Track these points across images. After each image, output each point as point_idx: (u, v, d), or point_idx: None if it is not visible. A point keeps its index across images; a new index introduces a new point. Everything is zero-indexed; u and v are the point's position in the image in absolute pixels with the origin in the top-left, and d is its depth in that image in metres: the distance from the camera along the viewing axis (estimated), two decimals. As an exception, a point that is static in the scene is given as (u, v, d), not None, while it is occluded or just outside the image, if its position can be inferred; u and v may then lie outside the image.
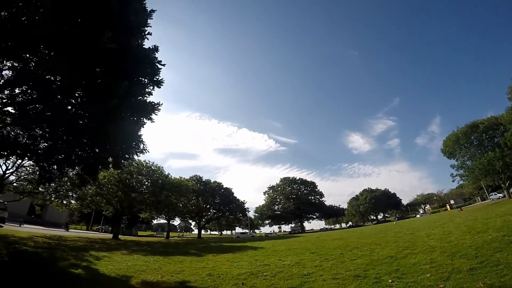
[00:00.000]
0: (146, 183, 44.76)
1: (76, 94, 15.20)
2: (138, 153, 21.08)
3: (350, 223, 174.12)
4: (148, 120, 17.94)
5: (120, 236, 47.94)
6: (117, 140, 16.71)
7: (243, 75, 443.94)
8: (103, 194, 42.24)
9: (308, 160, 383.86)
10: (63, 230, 56.17)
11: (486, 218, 24.06)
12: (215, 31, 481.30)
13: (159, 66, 16.34)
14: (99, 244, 28.33)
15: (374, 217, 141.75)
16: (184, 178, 58.21)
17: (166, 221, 69.78)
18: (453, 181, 76.09)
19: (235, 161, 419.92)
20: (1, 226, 32.85)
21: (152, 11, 15.93)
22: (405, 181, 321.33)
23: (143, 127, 18.73)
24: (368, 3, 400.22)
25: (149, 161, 46.53)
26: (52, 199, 36.40)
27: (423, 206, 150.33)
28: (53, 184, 31.69)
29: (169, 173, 49.54)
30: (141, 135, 19.27)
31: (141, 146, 21.34)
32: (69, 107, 15.33)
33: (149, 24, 15.80)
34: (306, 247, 25.01)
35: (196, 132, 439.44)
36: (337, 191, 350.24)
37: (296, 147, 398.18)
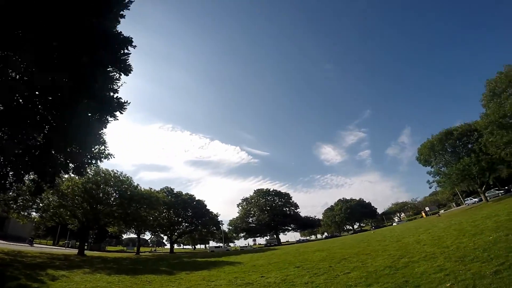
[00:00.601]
0: (114, 194, 41.24)
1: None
2: (101, 158, 18.72)
3: (325, 234, 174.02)
4: (112, 118, 15.52)
5: (86, 252, 44.21)
6: (76, 137, 14.10)
7: (217, 86, 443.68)
8: (67, 205, 38.49)
9: (281, 172, 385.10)
10: (27, 245, 51.03)
11: (474, 221, 23.49)
12: (189, 38, 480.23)
13: (127, 49, 13.91)
14: (60, 260, 25.31)
15: (350, 227, 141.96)
16: (154, 190, 54.35)
17: (136, 236, 65.05)
18: (430, 187, 76.80)
19: (207, 173, 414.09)
20: None
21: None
22: (377, 191, 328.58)
23: (105, 127, 16.35)
24: (342, 17, 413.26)
25: (117, 171, 43.12)
26: (11, 210, 32.86)
27: (398, 215, 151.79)
28: (10, 193, 28.54)
29: (138, 184, 46.20)
30: (102, 134, 16.90)
31: (105, 150, 18.94)
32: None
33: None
34: (287, 260, 23.24)
35: (168, 144, 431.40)
36: (310, 203, 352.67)
37: (268, 159, 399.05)
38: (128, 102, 15.62)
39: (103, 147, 18.85)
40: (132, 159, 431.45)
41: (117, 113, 15.42)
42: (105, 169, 41.78)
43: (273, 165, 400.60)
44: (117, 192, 41.07)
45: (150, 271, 20.10)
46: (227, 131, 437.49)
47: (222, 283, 13.71)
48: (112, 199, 41.42)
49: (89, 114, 14.50)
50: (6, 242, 46.61)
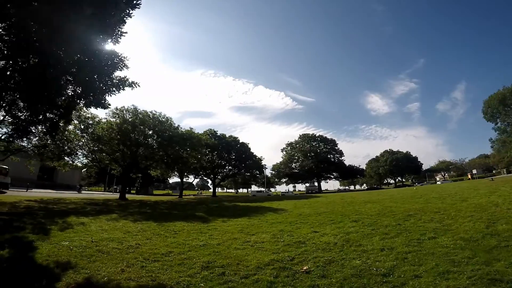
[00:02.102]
0: (153, 135, 39.92)
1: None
2: (124, 86, 16.10)
3: (364, 185, 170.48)
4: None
5: (129, 196, 44.83)
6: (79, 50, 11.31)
7: (260, 28, 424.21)
8: (104, 150, 38.02)
9: (325, 120, 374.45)
10: (75, 192, 54.28)
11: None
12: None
13: None
14: (96, 206, 24.20)
15: (392, 181, 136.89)
16: (197, 131, 52.18)
17: (180, 179, 65.48)
18: (492, 146, 69.40)
19: (251, 119, 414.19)
20: (4, 192, 30.00)
21: None
22: (421, 147, 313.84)
23: (119, 42, 13.41)
24: None
25: (156, 112, 41.33)
26: (45, 157, 32.43)
27: (443, 174, 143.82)
28: (34, 138, 27.76)
29: (179, 125, 44.29)
30: (119, 55, 14.04)
31: (127, 78, 16.24)
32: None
33: None
34: (337, 211, 20.19)
35: (211, 90, 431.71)
36: (352, 153, 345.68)
37: (313, 106, 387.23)
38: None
39: (124, 74, 16.24)
40: (176, 106, 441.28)
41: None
42: (143, 110, 40.22)
43: (317, 112, 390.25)
44: (156, 133, 39.63)
45: (183, 218, 18.04)
46: (271, 75, 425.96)
47: (264, 239, 10.96)
48: (150, 140, 40.18)
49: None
50: (54, 191, 49.28)
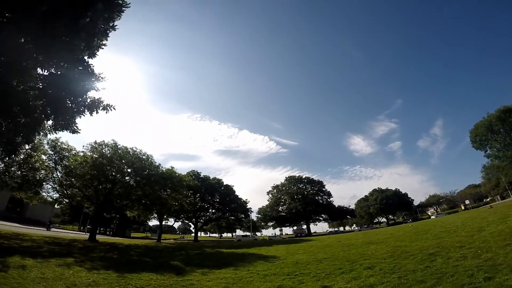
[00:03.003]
0: (130, 172, 36.35)
1: None
2: (97, 109, 13.75)
3: (354, 226, 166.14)
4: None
5: (102, 238, 40.26)
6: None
7: (244, 75, 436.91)
8: (75, 184, 34.33)
9: (309, 163, 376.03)
10: (44, 229, 49.52)
11: None
12: (216, 28, 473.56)
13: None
14: (56, 246, 20.73)
15: (382, 219, 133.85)
16: (178, 172, 47.54)
17: (160, 222, 60.36)
18: (487, 174, 68.17)
19: (236, 163, 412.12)
20: None
21: None
22: (406, 184, 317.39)
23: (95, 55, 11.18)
24: (373, 4, 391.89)
25: (137, 148, 38.13)
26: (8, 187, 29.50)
27: (435, 208, 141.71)
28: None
29: (160, 164, 41.13)
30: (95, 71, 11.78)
31: (102, 101, 13.93)
32: None
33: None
34: (340, 256, 17.58)
35: (197, 134, 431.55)
36: (338, 194, 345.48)
37: (297, 149, 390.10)
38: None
39: (99, 96, 13.93)
40: (161, 148, 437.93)
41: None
42: (124, 145, 37.08)
43: (301, 155, 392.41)
44: (134, 170, 36.11)
45: (154, 268, 14.56)
46: (256, 120, 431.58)
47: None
48: (128, 178, 36.65)
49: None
50: (20, 225, 44.84)
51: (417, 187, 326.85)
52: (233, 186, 76.25)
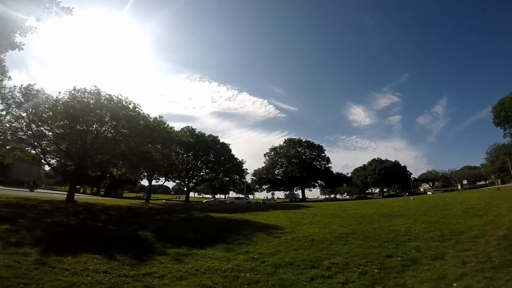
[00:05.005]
0: (111, 122, 30.72)
1: None
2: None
3: (345, 194, 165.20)
4: None
5: (84, 198, 36.29)
6: None
7: (247, 35, 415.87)
8: (46, 135, 29.58)
9: (307, 129, 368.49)
10: (27, 190, 46.23)
11: None
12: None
13: None
14: (7, 209, 16.91)
15: (376, 190, 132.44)
16: (166, 121, 39.77)
17: (148, 181, 55.68)
18: (492, 156, 65.60)
19: (233, 125, 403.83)
20: None
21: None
22: (400, 158, 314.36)
23: None
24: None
25: (122, 95, 32.47)
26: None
27: (431, 184, 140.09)
28: None
29: (148, 114, 35.56)
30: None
31: None
32: None
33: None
34: (366, 232, 13.81)
35: (196, 94, 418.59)
36: (331, 162, 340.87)
37: (295, 115, 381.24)
38: None
39: None
40: (158, 109, 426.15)
41: None
42: (107, 93, 31.49)
43: (300, 121, 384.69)
44: (115, 120, 30.77)
45: (109, 244, 10.33)
46: (256, 83, 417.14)
47: None
48: (107, 129, 31.58)
49: None
50: (4, 187, 42.20)
51: (410, 162, 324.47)
52: (229, 144, 71.19)
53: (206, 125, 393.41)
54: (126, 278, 6.62)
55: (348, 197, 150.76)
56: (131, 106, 32.69)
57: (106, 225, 14.96)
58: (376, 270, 7.48)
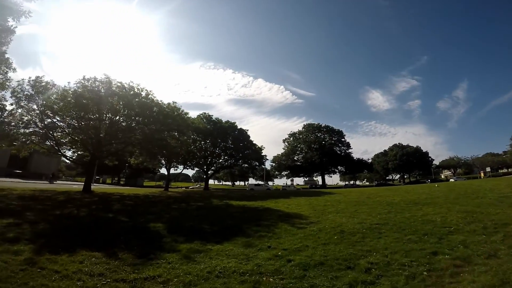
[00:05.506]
0: (124, 109, 29.69)
1: None
2: None
3: (365, 181, 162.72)
4: None
5: (103, 188, 36.47)
6: None
7: (259, 22, 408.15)
8: (57, 124, 29.08)
9: (325, 115, 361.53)
10: (47, 182, 46.94)
11: None
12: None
13: None
14: (21, 201, 16.41)
15: (396, 177, 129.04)
16: (182, 109, 39.17)
17: (167, 169, 55.35)
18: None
19: (250, 112, 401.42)
20: None
21: None
22: (419, 144, 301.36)
23: None
24: None
25: (133, 82, 31.40)
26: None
27: (453, 171, 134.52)
28: None
29: (161, 100, 34.50)
30: None
31: None
32: None
33: None
34: (399, 222, 12.41)
35: (211, 83, 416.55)
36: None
37: (313, 101, 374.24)
38: None
39: None
40: (175, 98, 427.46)
41: None
42: (118, 81, 30.60)
43: (317, 106, 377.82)
44: (128, 108, 29.77)
45: (114, 238, 9.31)
46: (272, 69, 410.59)
47: None
48: (120, 118, 30.73)
49: None
50: (22, 181, 42.58)
51: (430, 148, 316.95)
52: (247, 130, 69.69)
53: (224, 112, 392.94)
54: (123, 283, 5.48)
55: (368, 183, 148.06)
56: (143, 93, 31.65)
57: (117, 216, 14.00)
58: (425, 273, 6.13)
